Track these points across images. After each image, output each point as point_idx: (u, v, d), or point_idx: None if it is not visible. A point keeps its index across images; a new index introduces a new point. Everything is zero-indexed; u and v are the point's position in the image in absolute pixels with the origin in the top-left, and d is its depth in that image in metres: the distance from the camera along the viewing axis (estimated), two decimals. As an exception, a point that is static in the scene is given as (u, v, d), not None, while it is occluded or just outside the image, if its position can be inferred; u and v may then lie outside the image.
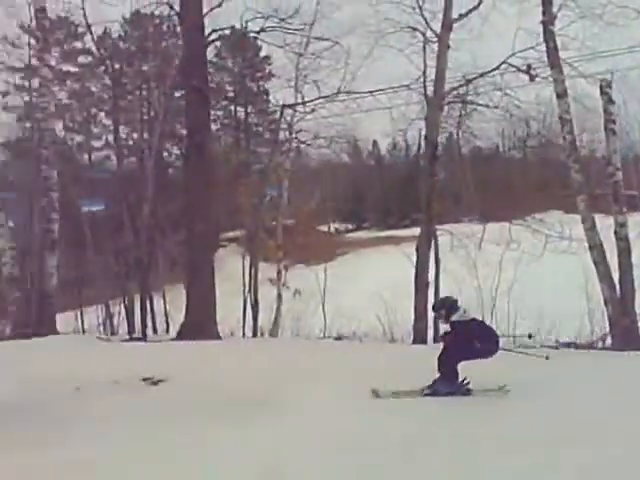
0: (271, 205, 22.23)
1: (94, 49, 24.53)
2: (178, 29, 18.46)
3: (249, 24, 16.64)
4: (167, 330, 17.85)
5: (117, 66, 23.69)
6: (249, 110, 38.38)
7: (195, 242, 14.56)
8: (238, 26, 17.53)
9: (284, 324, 17.51)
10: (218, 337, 13.85)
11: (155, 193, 18.30)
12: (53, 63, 18.10)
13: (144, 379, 9.08)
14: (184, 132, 21.15)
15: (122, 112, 24.57)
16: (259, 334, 16.84)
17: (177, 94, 21.91)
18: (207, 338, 13.00)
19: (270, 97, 32.90)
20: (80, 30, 27.29)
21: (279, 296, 18.71)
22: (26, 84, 26.25)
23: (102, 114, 31.23)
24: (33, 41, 20.30)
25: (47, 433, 6.34)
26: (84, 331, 18.66)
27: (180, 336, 13.74)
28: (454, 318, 7.45)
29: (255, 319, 17.22)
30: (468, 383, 7.30)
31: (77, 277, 21.06)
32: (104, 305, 19.05)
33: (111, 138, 29.15)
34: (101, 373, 9.13)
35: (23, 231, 19.18)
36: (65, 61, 29.47)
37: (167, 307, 19.44)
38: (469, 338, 7.27)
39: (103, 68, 24.55)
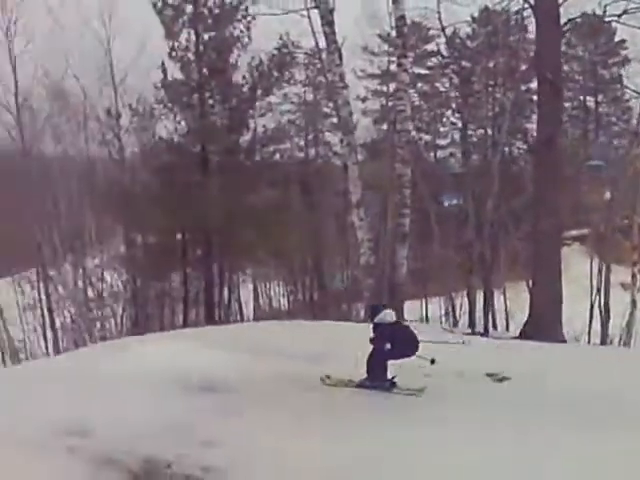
0: (625, 202, 20.41)
1: (445, 50, 25.53)
2: (526, 22, 18.25)
3: (607, 8, 15.81)
4: (507, 327, 17.81)
5: (465, 64, 24.31)
6: (599, 99, 35.73)
7: (541, 238, 14.22)
8: (592, 12, 16.80)
9: (638, 334, 16.00)
10: (563, 340, 13.30)
11: (500, 189, 18.35)
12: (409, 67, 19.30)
13: (488, 374, 9.17)
14: (530, 127, 20.78)
15: (470, 109, 25.08)
16: (608, 342, 15.69)
17: (523, 88, 21.57)
18: (551, 340, 12.57)
19: (625, 84, 30.05)
20: (431, 33, 28.65)
21: (633, 302, 17.15)
22: (382, 89, 28.69)
23: (448, 113, 32.28)
24: (391, 48, 22.13)
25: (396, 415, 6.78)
26: (427, 320, 19.69)
27: (523, 335, 13.57)
28: (375, 320, 8.00)
29: (604, 325, 16.09)
30: (394, 383, 7.77)
31: (423, 268, 22.28)
32: (447, 297, 19.85)
33: (457, 136, 30.00)
34: (447, 362, 9.49)
35: (377, 224, 21.06)
36: (416, 64, 31.20)
37: (507, 304, 19.37)
38: (383, 340, 7.70)
39: (452, 68, 25.44)
